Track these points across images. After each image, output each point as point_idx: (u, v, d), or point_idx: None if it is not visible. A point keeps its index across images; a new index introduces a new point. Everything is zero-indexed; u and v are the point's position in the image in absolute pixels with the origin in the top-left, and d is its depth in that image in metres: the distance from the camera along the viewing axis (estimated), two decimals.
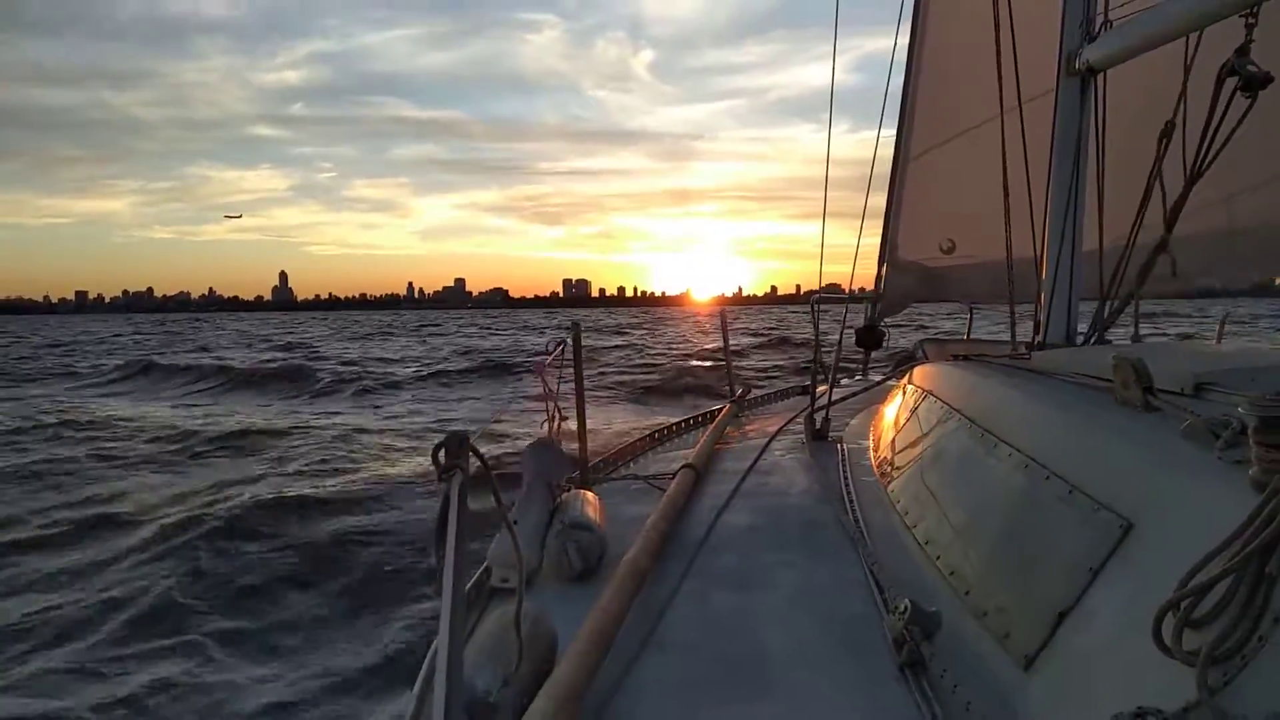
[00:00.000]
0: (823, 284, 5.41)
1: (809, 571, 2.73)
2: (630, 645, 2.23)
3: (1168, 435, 1.83)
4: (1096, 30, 3.51)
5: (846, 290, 5.54)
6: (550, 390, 3.45)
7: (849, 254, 5.31)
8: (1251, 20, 2.63)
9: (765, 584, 2.67)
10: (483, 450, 1.54)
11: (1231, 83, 2.72)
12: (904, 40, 5.57)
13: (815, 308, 5.00)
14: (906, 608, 2.08)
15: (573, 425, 3.85)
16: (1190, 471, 1.67)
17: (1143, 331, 4.14)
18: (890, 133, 5.79)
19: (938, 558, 2.47)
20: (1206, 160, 2.86)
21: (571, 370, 3.72)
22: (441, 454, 1.41)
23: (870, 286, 5.99)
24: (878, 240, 5.98)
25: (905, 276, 5.94)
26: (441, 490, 1.40)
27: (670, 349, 38.98)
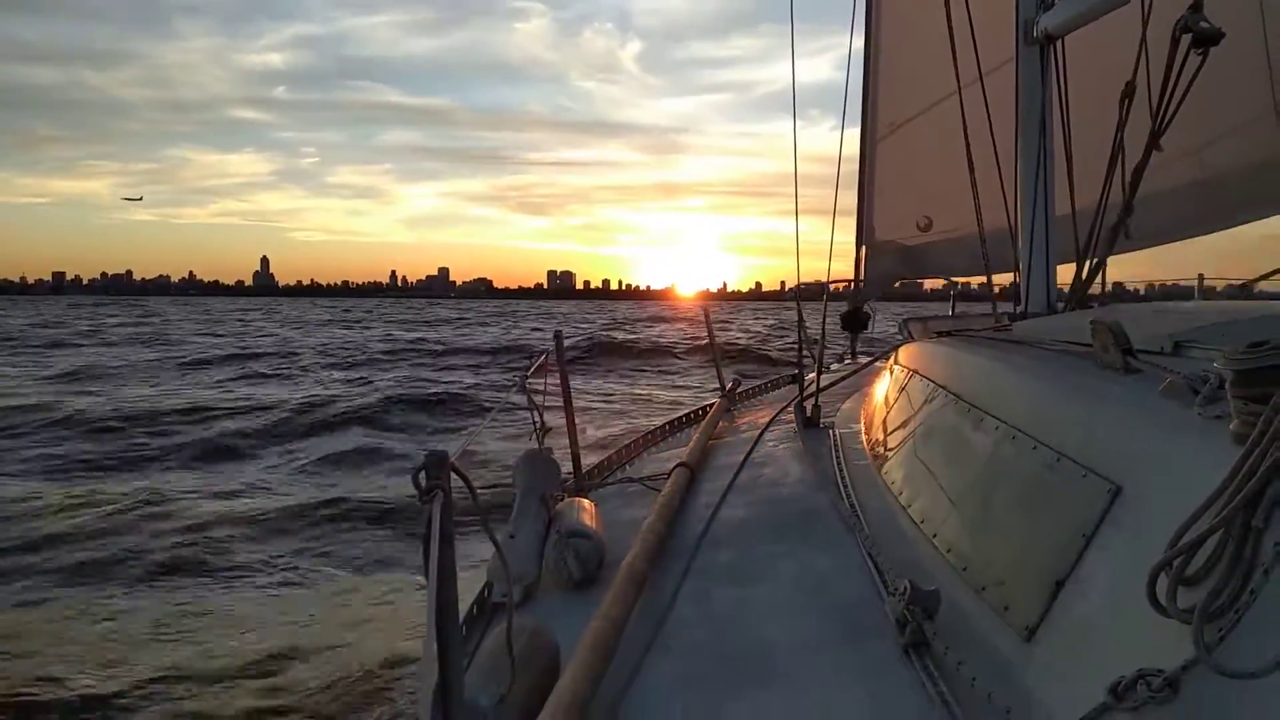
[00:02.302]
0: (800, 280, 5.43)
1: (808, 560, 2.73)
2: (634, 649, 2.22)
3: (1149, 396, 1.84)
4: None
5: (825, 282, 5.56)
6: (536, 401, 3.46)
7: (839, 250, 5.31)
8: None
9: (765, 577, 2.66)
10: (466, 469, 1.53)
11: (1187, 41, 2.74)
12: (861, 20, 5.59)
13: (799, 297, 5.01)
14: (906, 589, 2.09)
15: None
16: (1173, 430, 1.69)
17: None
18: (854, 134, 5.81)
19: (934, 536, 2.46)
20: (1167, 119, 2.85)
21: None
22: (422, 476, 1.39)
23: (848, 278, 6.01)
24: (853, 231, 5.99)
25: (884, 257, 5.93)
26: (425, 512, 1.37)
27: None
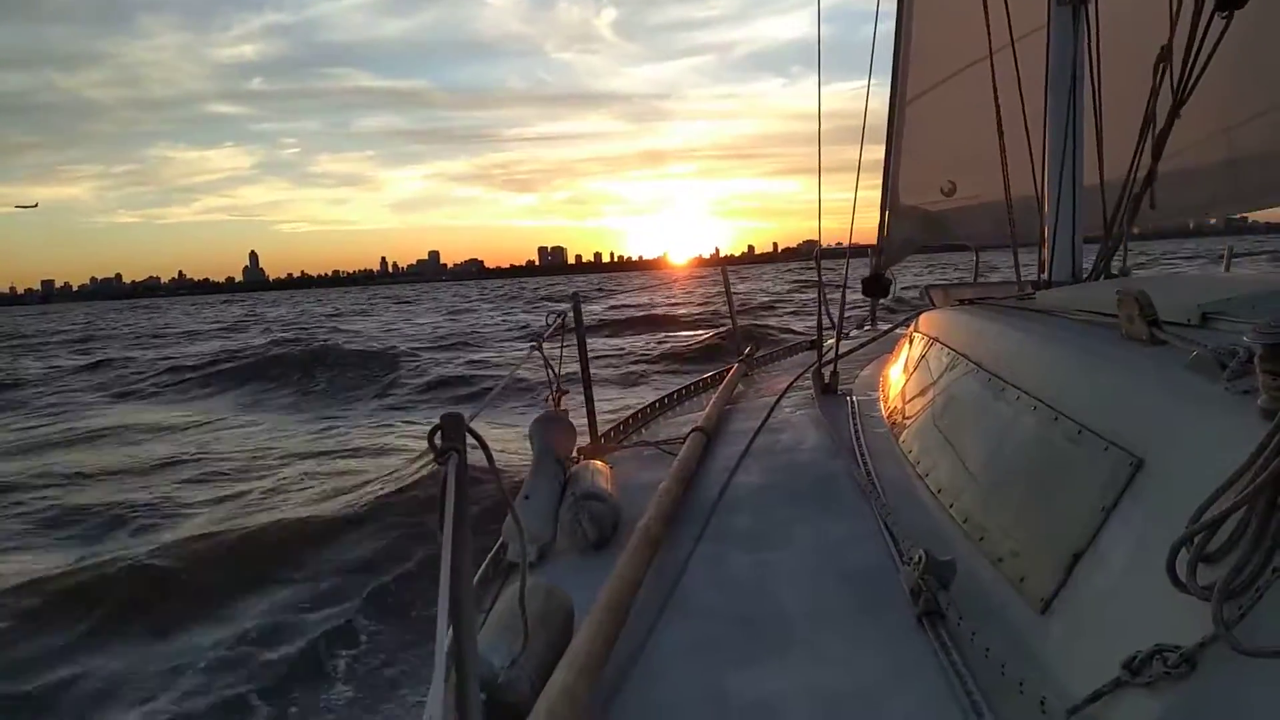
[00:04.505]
0: (821, 237, 5.36)
1: (823, 527, 2.73)
2: (648, 611, 2.23)
3: (1174, 368, 1.80)
4: None
5: (839, 245, 5.48)
6: (552, 364, 3.42)
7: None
8: None
9: (780, 542, 2.66)
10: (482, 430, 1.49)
11: (1212, 2, 2.65)
12: None
13: (819, 260, 4.95)
14: (921, 558, 2.08)
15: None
16: (1198, 404, 1.65)
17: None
18: (880, 82, 5.72)
19: (951, 506, 2.46)
20: (1190, 85, 2.80)
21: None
22: (438, 436, 1.36)
23: (868, 239, 5.90)
24: (866, 197, 5.88)
25: (907, 222, 5.84)
26: (440, 473, 1.34)
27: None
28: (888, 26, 5.56)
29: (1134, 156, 3.19)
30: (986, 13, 3.71)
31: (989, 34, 3.71)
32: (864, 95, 5.19)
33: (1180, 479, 1.57)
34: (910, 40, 5.62)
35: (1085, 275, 3.55)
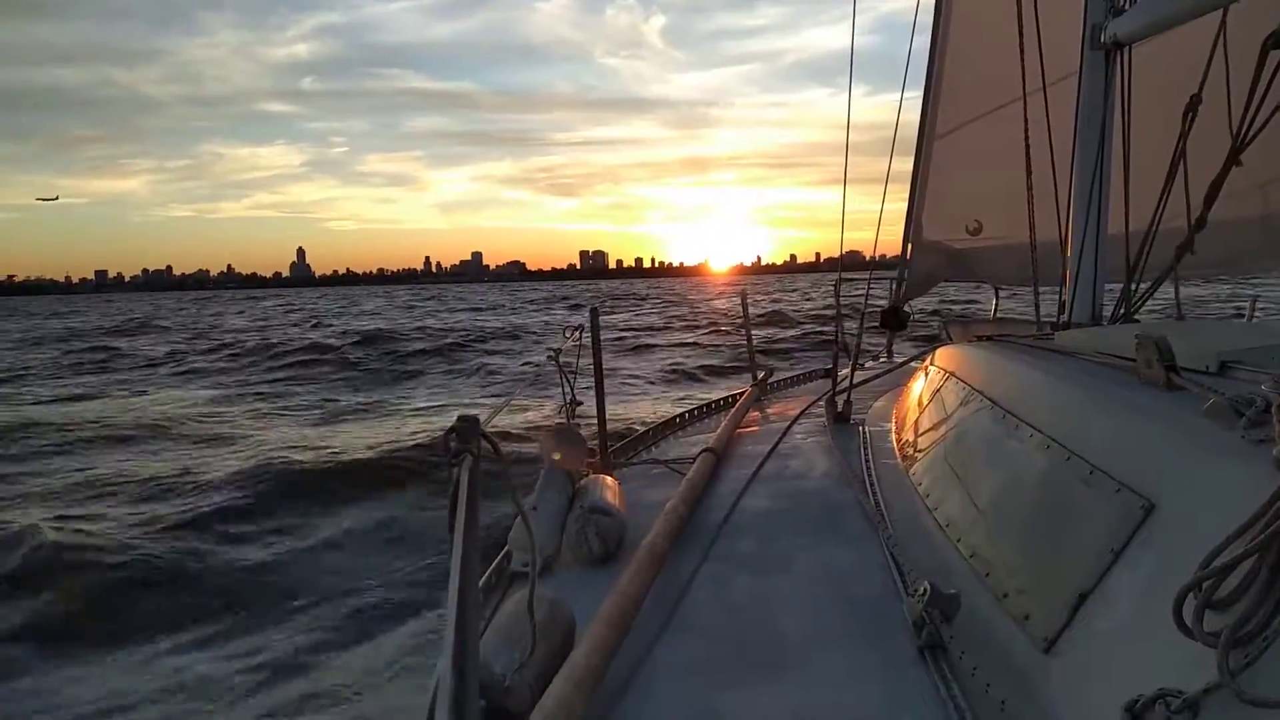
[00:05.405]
0: (844, 252, 5.35)
1: (828, 554, 2.72)
2: (649, 628, 2.23)
3: (1190, 415, 1.79)
4: (1123, 3, 3.44)
5: (868, 257, 5.47)
6: (567, 375, 3.44)
7: (868, 219, 5.21)
8: None
9: (784, 567, 2.66)
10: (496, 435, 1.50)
11: (1276, 55, 2.63)
12: (926, 1, 5.45)
13: (839, 286, 4.95)
14: (926, 590, 2.07)
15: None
16: (1213, 451, 1.65)
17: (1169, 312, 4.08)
18: (911, 97, 5.69)
19: (958, 540, 2.45)
20: (1249, 136, 2.78)
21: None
22: (452, 438, 1.37)
23: (895, 251, 5.89)
24: (899, 210, 5.87)
25: (930, 257, 5.84)
26: (453, 475, 1.36)
27: None
28: (924, 40, 5.54)
29: (1158, 205, 3.18)
30: (1022, 55, 3.72)
31: (1023, 76, 3.72)
32: (907, 108, 5.18)
33: (1191, 525, 1.56)
34: (942, 76, 5.63)
35: (1114, 317, 3.53)
